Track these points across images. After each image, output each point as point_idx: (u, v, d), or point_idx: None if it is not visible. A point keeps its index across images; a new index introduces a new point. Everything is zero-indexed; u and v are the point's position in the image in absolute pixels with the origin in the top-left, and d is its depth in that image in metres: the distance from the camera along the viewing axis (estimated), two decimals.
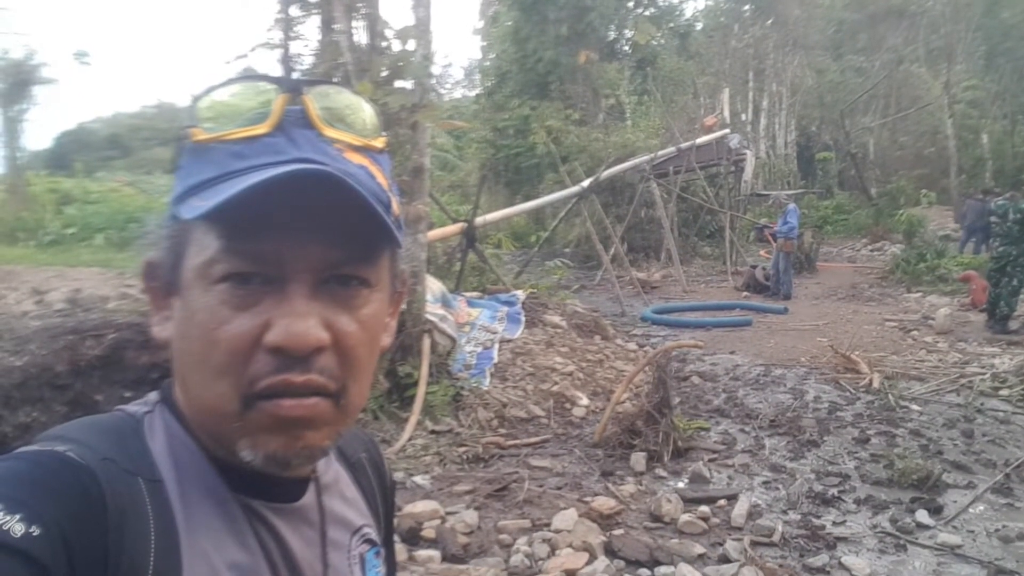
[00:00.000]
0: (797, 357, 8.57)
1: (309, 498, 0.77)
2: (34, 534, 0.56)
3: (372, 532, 0.85)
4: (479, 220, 9.13)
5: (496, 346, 7.25)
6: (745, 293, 13.64)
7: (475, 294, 9.21)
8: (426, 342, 5.76)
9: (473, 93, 33.79)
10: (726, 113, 19.30)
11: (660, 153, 16.27)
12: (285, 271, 0.64)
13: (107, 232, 20.09)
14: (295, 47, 8.14)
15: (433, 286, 7.14)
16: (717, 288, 14.75)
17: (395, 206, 0.70)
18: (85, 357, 9.70)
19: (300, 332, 0.63)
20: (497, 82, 26.83)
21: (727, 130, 18.64)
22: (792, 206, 13.47)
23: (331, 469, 0.83)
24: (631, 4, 24.05)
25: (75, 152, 45.47)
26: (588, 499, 4.38)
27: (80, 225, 20.84)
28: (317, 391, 0.64)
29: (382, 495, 0.91)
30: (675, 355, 8.55)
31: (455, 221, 9.03)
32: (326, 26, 6.04)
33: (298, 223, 0.63)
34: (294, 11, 7.73)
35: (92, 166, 39.23)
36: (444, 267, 9.90)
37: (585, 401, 6.42)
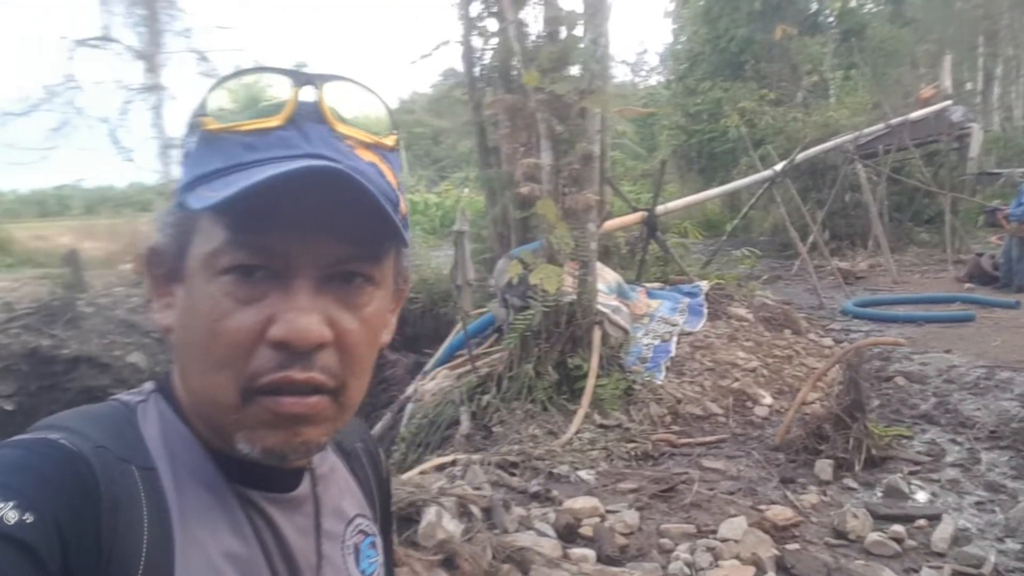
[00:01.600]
0: None
1: (304, 488, 0.77)
2: (28, 521, 0.56)
3: (367, 522, 0.86)
4: (660, 209, 8.81)
5: (674, 339, 6.97)
6: (968, 284, 12.11)
7: (656, 285, 8.93)
8: (597, 334, 5.63)
9: (664, 80, 32.94)
10: (947, 83, 17.20)
11: (867, 131, 14.84)
12: (291, 266, 0.64)
13: None
14: (476, 42, 8.36)
15: (608, 276, 7.00)
16: (934, 279, 13.23)
17: (403, 204, 0.70)
18: None
19: (304, 328, 0.63)
20: (689, 66, 25.92)
21: (948, 102, 16.61)
22: None
23: (327, 459, 0.83)
24: None
25: None
26: (762, 507, 4.05)
27: None
28: (318, 388, 0.65)
29: (378, 484, 0.91)
30: (875, 353, 7.80)
31: (636, 210, 8.79)
32: (501, 18, 6.06)
33: (306, 219, 0.63)
34: (475, 7, 7.91)
35: None
36: (627, 257, 9.71)
37: (768, 400, 5.98)
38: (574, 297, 5.69)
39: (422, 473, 4.40)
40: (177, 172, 0.70)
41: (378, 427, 6.76)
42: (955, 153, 16.95)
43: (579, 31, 5.64)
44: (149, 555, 0.63)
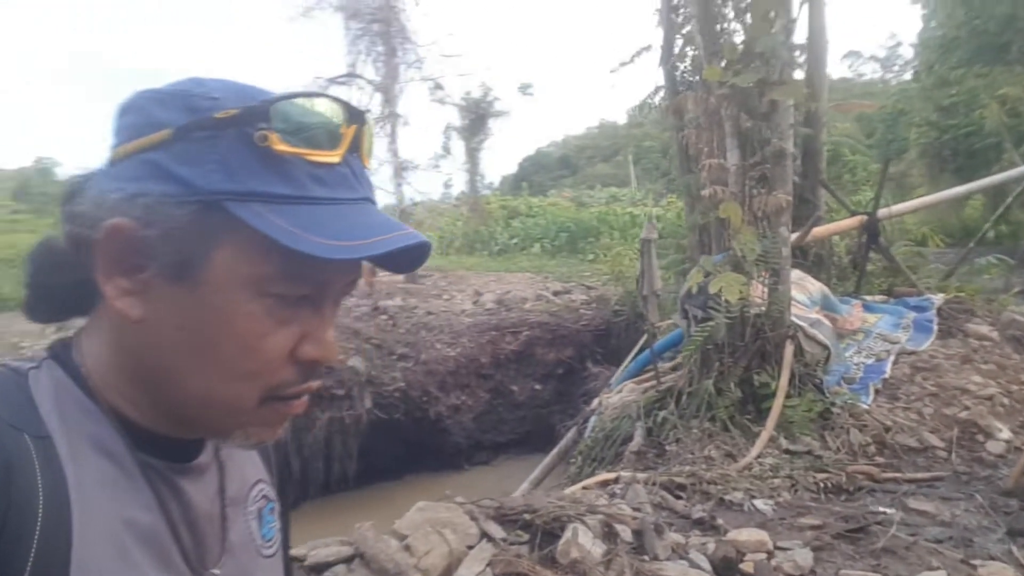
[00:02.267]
0: None
1: (207, 456, 0.78)
2: None
3: (268, 488, 0.88)
4: (883, 212, 7.88)
5: (891, 358, 6.16)
6: None
7: (879, 297, 7.99)
8: (788, 349, 5.12)
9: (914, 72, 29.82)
10: None
11: None
12: (325, 292, 0.70)
13: (542, 241, 22.61)
14: (677, 46, 8.07)
15: (811, 287, 6.37)
16: None
17: None
18: (504, 351, 10.93)
19: (334, 348, 0.71)
20: (941, 54, 23.22)
21: None
22: None
23: None
24: None
25: (534, 174, 52.49)
26: (976, 562, 3.40)
27: (522, 236, 23.76)
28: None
29: (274, 450, 0.93)
30: None
31: (854, 214, 7.93)
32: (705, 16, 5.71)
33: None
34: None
35: (546, 185, 44.60)
36: (847, 267, 8.82)
37: (1007, 435, 5.06)
38: (763, 308, 5.24)
39: (584, 489, 4.25)
40: (366, 186, 0.71)
41: (563, 441, 6.71)
42: None
43: (769, 18, 5.17)
44: (45, 524, 0.61)
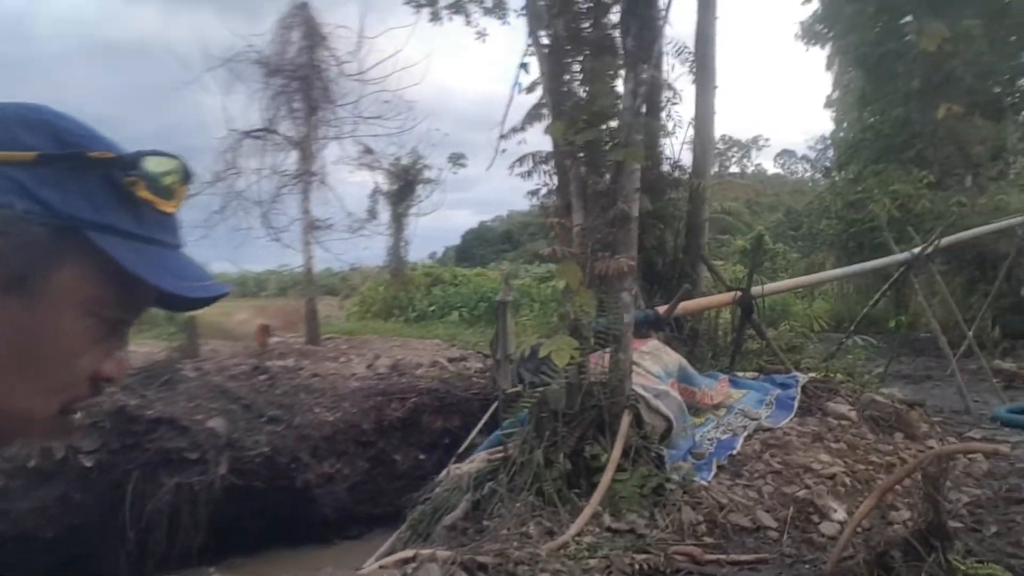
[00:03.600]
0: None
1: None
2: None
3: None
4: (756, 290, 7.94)
5: (745, 434, 6.05)
6: None
7: (751, 374, 7.97)
8: (625, 420, 4.94)
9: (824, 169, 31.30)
10: None
11: None
12: (135, 320, 0.79)
13: (461, 310, 22.41)
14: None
15: (667, 358, 6.26)
16: None
17: None
18: (389, 417, 10.50)
19: (127, 368, 0.80)
20: (850, 154, 24.47)
21: None
22: None
23: None
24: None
25: (477, 247, 52.68)
26: None
27: (441, 304, 23.55)
28: None
29: None
30: (1016, 468, 6.42)
31: (730, 289, 7.98)
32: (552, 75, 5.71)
33: None
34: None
35: (488, 258, 44.73)
36: (727, 345, 8.83)
37: (841, 515, 4.93)
38: (604, 378, 5.08)
39: (381, 567, 3.91)
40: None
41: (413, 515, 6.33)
42: None
43: (618, 83, 5.19)
44: None
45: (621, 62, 5.13)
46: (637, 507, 4.62)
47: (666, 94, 8.71)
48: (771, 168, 60.56)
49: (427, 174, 24.46)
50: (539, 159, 5.64)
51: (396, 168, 24.46)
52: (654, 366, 5.99)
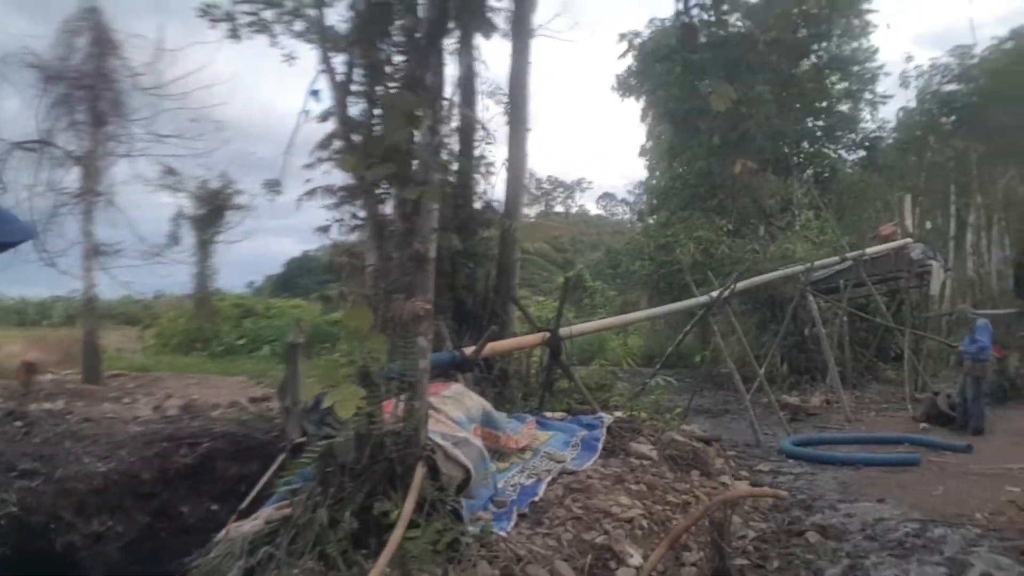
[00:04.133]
0: (970, 512, 6.39)
1: None
2: None
3: None
4: (564, 330, 7.97)
5: (549, 478, 5.93)
6: (924, 425, 11.12)
7: (559, 414, 7.96)
8: (419, 472, 4.63)
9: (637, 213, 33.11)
10: (908, 221, 16.89)
11: (819, 263, 14.28)
12: None
13: (274, 344, 21.08)
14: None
15: (470, 403, 6.05)
16: (890, 418, 12.23)
17: None
18: (176, 465, 9.43)
19: None
20: (663, 200, 26.02)
21: (908, 240, 16.22)
22: (982, 322, 10.99)
23: None
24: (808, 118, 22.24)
25: (300, 277, 50.20)
26: None
27: (251, 337, 22.08)
28: None
29: None
30: (797, 501, 6.77)
31: (538, 331, 7.95)
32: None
33: None
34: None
35: (311, 289, 42.69)
36: (538, 385, 8.79)
37: (636, 560, 4.88)
38: (398, 426, 4.74)
39: None
40: None
41: None
42: (916, 291, 16.38)
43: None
44: None
45: (421, 97, 4.91)
46: (430, 565, 4.29)
47: (480, 134, 8.68)
48: (593, 209, 63.47)
49: (239, 199, 23.01)
50: (333, 193, 5.29)
51: (203, 192, 22.88)
52: (456, 411, 5.75)
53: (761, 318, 17.13)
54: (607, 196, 60.19)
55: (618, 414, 8.44)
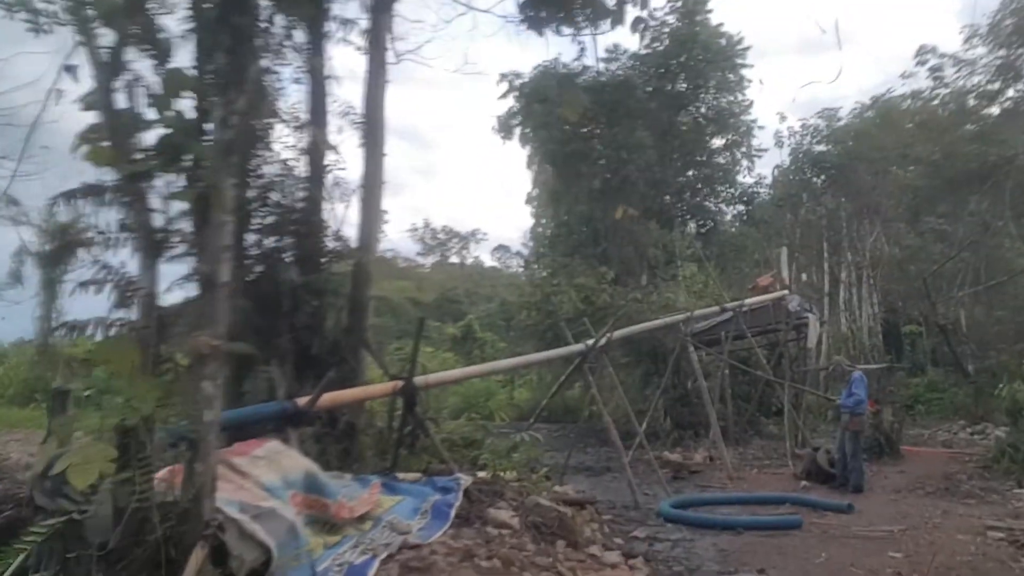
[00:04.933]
0: None
1: None
2: None
3: None
4: (419, 380, 7.06)
5: (383, 556, 4.93)
6: (804, 483, 10.78)
7: (413, 476, 6.98)
8: (196, 555, 3.57)
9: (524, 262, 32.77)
10: (784, 273, 17.06)
11: (698, 312, 14.02)
12: None
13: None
14: None
15: (289, 464, 5.01)
16: (773, 475, 11.88)
17: None
18: None
19: None
20: (547, 247, 25.70)
21: (785, 291, 16.31)
22: (857, 374, 10.85)
23: None
24: (682, 166, 22.59)
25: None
26: None
27: (101, 387, 19.99)
28: None
29: None
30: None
31: (393, 379, 6.99)
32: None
33: None
34: None
35: None
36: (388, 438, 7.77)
37: None
38: (173, 496, 3.69)
39: None
40: None
41: None
42: (794, 344, 16.43)
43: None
44: None
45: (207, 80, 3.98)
46: None
47: (332, 158, 7.79)
48: (488, 260, 63.11)
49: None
50: (92, 191, 4.29)
51: (51, 225, 20.73)
52: (268, 475, 4.71)
53: (644, 370, 16.76)
54: (501, 248, 59.95)
55: (482, 474, 7.56)
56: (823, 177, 30.61)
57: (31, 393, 20.18)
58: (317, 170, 7.66)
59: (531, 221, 29.27)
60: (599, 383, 11.48)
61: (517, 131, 22.44)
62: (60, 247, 21.35)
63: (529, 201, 29.79)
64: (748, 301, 15.01)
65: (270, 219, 7.19)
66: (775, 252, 27.36)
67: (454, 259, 66.07)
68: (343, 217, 7.72)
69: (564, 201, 21.20)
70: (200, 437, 3.79)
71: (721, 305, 14.72)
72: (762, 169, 29.05)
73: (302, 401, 6.02)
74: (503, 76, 21.41)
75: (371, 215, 7.92)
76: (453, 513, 5.97)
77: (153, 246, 3.81)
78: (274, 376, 6.26)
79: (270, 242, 7.13)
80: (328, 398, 6.30)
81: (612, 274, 17.79)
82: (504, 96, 21.66)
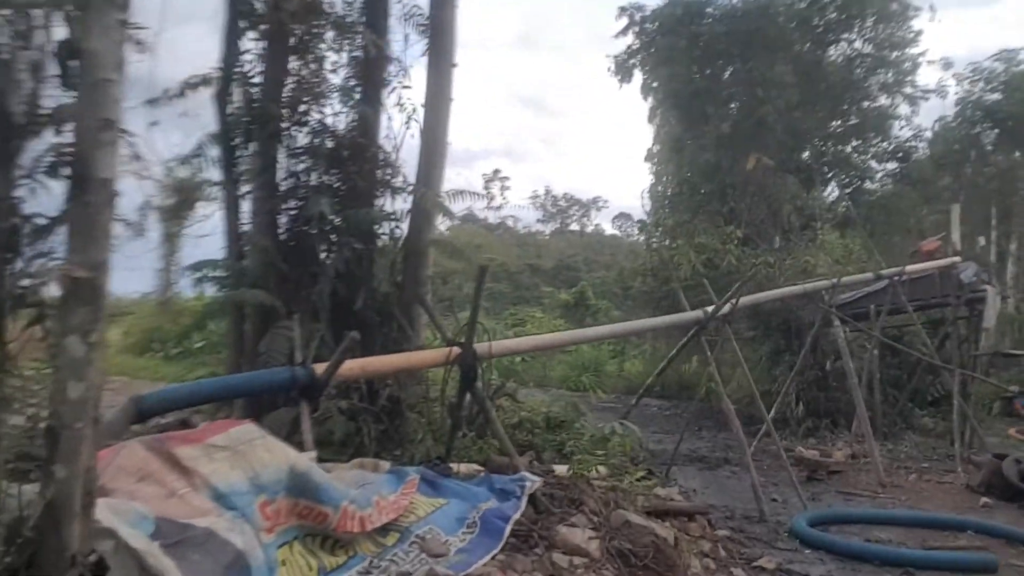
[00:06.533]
0: None
1: None
2: None
3: None
4: (482, 347, 5.48)
5: None
6: (985, 500, 8.49)
7: (472, 468, 5.47)
8: None
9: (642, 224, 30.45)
10: (955, 237, 14.24)
11: (846, 280, 11.68)
12: None
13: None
14: None
15: (264, 458, 3.55)
16: (937, 485, 9.58)
17: None
18: None
19: None
20: (667, 208, 23.48)
21: (957, 258, 13.54)
22: None
23: None
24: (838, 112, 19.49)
25: None
26: None
27: (214, 340, 20.26)
28: None
29: None
30: None
31: (450, 344, 5.46)
32: None
33: None
34: None
35: None
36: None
37: None
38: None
39: None
40: None
41: None
42: (964, 322, 13.67)
43: None
44: None
45: None
46: None
47: (393, 69, 6.28)
48: (609, 229, 61.01)
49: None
50: None
51: (174, 179, 20.77)
52: (227, 473, 3.29)
53: (774, 347, 14.53)
54: (623, 216, 57.56)
55: (561, 469, 5.96)
56: (997, 131, 26.46)
57: (149, 343, 20.70)
58: (371, 84, 6.17)
59: (650, 181, 26.96)
60: (720, 358, 9.60)
61: (637, 74, 20.25)
62: (179, 202, 20.94)
63: (649, 158, 27.47)
64: (909, 268, 12.45)
65: (307, 141, 5.79)
66: (946, 212, 23.84)
67: (574, 227, 64.40)
68: (401, 143, 6.21)
69: (688, 151, 18.79)
70: (62, 424, 2.39)
71: (876, 273, 12.25)
72: (922, 119, 25.17)
73: (320, 368, 4.59)
74: (622, 10, 19.16)
75: (435, 142, 6.37)
76: (509, 529, 4.41)
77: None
78: (294, 333, 4.87)
79: (305, 170, 5.74)
80: (361, 366, 4.85)
81: (739, 234, 15.51)
82: (623, 33, 19.50)
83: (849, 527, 7.04)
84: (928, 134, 26.54)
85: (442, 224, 6.87)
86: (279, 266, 5.42)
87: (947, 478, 9.88)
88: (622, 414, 9.12)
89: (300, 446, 4.38)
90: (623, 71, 20.00)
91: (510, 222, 59.47)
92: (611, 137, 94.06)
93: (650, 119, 24.87)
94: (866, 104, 19.50)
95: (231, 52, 5.73)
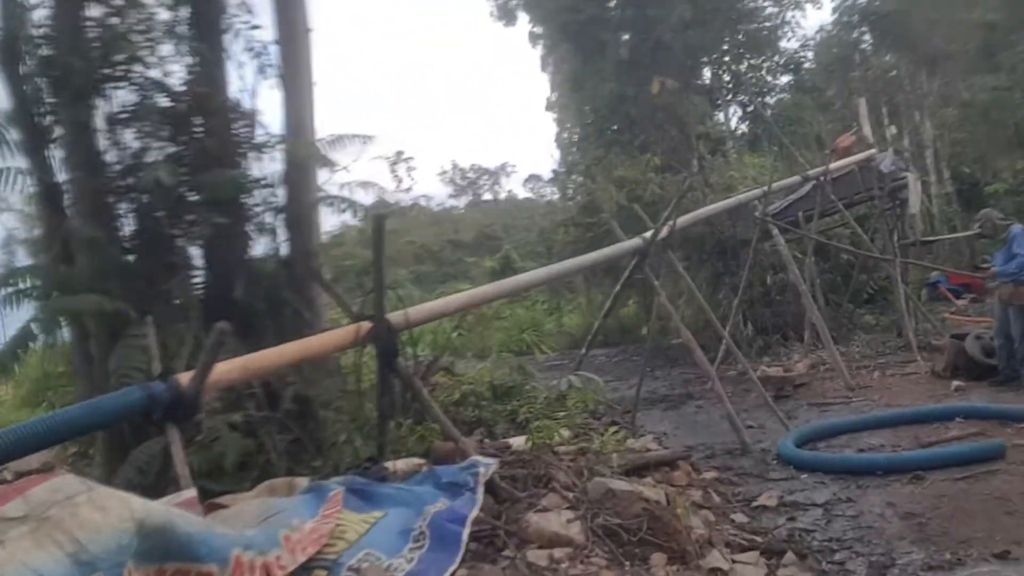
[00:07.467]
0: None
1: None
2: None
3: None
4: (398, 317, 4.49)
5: None
6: (957, 383, 8.06)
7: (412, 462, 4.50)
8: None
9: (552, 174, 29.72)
10: (866, 129, 13.90)
11: (777, 185, 11.12)
12: None
13: None
14: None
15: (93, 518, 2.45)
16: (904, 378, 9.14)
17: None
18: None
19: None
20: (576, 155, 22.71)
21: (873, 150, 13.19)
22: (1018, 228, 7.99)
23: None
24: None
25: None
26: None
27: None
28: None
29: None
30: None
31: (357, 319, 4.43)
32: None
33: None
34: None
35: None
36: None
37: None
38: None
39: None
40: None
41: None
42: (891, 213, 13.36)
43: None
44: None
45: None
46: None
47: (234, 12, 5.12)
48: (522, 193, 60.25)
49: None
50: None
51: None
52: (34, 556, 2.22)
53: (712, 271, 13.97)
54: (533, 178, 56.96)
55: (518, 442, 5.06)
56: (873, 34, 26.70)
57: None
58: (208, 24, 5.00)
59: (555, 131, 26.12)
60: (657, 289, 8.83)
61: (522, 17, 19.21)
62: None
63: (549, 107, 26.63)
64: (833, 165, 11.97)
65: (134, 100, 4.60)
66: (829, 129, 23.84)
67: (487, 196, 63.52)
68: (255, 92, 5.08)
69: (589, 86, 17.96)
70: None
71: (802, 175, 11.72)
72: (808, 29, 25.20)
73: (185, 378, 3.51)
74: None
75: (298, 84, 5.27)
76: (467, 533, 3.47)
77: None
78: (149, 343, 3.77)
79: (135, 136, 4.56)
80: (241, 365, 3.78)
81: (657, 161, 14.81)
82: None
83: (836, 440, 6.42)
84: (815, 42, 26.64)
85: (355, 218, 5.78)
86: (118, 260, 4.28)
87: (909, 368, 9.48)
88: (573, 368, 8.29)
89: (176, 483, 3.34)
90: (505, 13, 18.95)
91: (423, 202, 58.12)
92: (508, 101, 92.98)
93: (543, 67, 23.99)
94: (756, 17, 19.08)
95: (10, 5, 4.48)
